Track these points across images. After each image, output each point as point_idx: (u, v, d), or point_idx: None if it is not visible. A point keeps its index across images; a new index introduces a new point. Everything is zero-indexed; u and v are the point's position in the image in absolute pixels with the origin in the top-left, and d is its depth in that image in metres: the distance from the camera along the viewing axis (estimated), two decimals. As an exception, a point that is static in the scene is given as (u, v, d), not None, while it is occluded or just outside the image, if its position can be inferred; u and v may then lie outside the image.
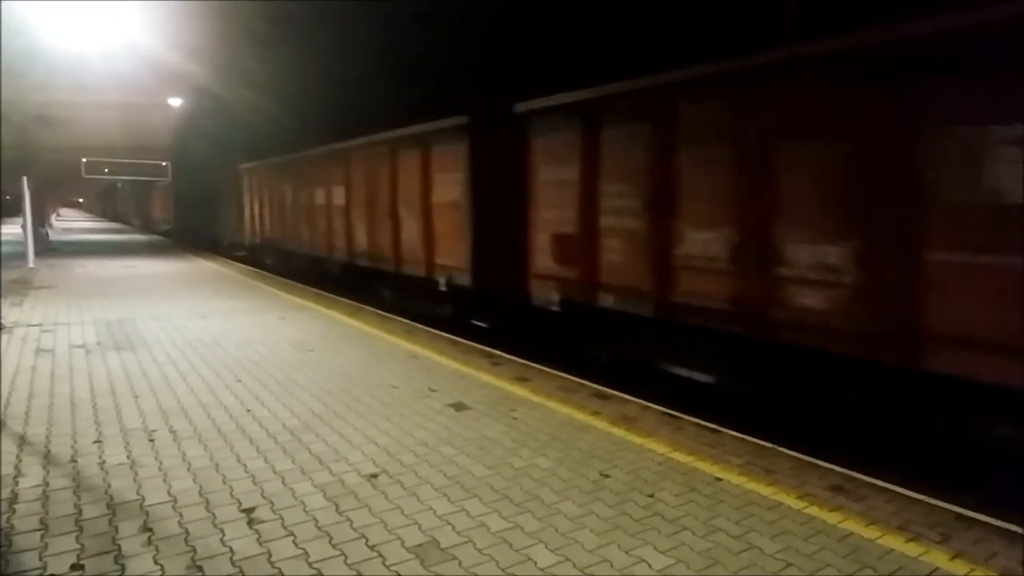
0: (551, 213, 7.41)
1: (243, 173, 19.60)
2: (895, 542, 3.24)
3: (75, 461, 4.09)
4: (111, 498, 3.57)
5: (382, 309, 10.33)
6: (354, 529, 3.29)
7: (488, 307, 8.97)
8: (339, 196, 12.95)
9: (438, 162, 9.51)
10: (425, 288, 10.01)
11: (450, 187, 9.22)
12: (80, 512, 3.41)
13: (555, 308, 7.42)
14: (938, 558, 3.10)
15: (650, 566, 2.99)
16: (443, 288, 9.43)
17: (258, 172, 18.43)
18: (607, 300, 6.77)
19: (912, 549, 3.18)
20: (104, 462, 4.07)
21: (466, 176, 8.84)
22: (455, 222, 9.13)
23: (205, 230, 25.37)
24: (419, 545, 3.15)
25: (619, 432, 4.75)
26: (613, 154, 6.66)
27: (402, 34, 11.60)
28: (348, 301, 11.20)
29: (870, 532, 3.33)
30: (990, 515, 3.50)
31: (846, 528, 3.37)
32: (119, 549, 3.05)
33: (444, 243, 9.46)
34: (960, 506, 3.61)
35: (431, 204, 9.70)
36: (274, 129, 16.78)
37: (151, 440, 4.45)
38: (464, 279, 8.95)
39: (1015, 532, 3.34)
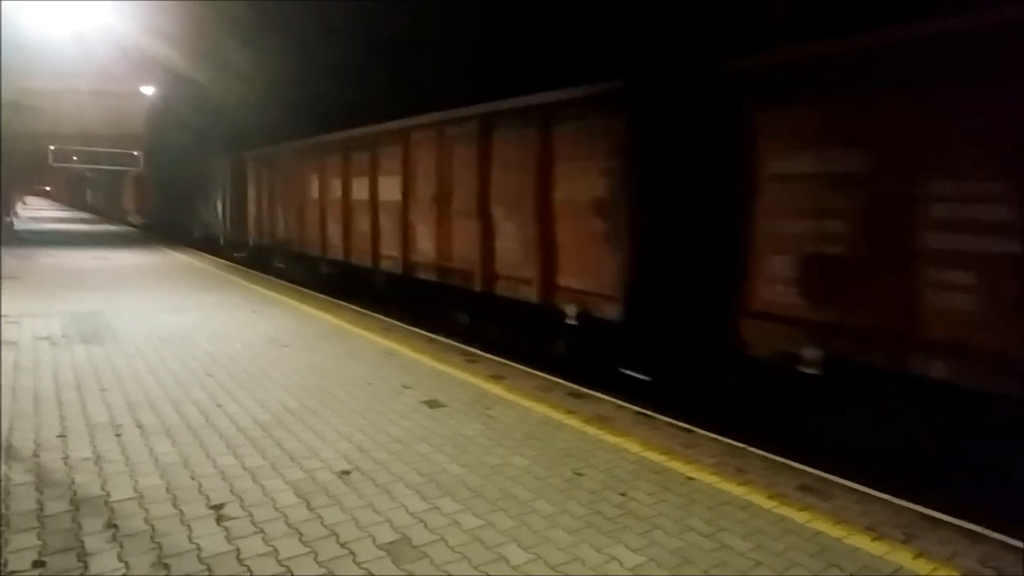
0: (801, 224, 4.84)
1: (248, 162, 16.60)
2: (861, 541, 3.29)
3: (38, 456, 3.98)
4: (75, 494, 3.49)
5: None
6: (325, 526, 3.25)
7: (650, 353, 6.24)
8: (391, 189, 9.88)
9: (566, 145, 6.81)
10: (534, 317, 7.35)
11: (587, 180, 6.52)
12: (42, 508, 3.32)
13: (809, 368, 4.74)
14: (902, 557, 3.16)
15: (622, 564, 3.00)
16: (571, 321, 6.71)
17: (270, 160, 15.23)
18: (938, 368, 4.13)
19: (877, 548, 3.23)
20: (68, 457, 3.98)
21: (620, 165, 6.15)
22: (593, 230, 6.40)
23: (188, 224, 22.94)
24: (391, 543, 3.12)
25: (594, 431, 4.76)
26: (946, 131, 4.10)
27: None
28: (325, 297, 11.08)
29: (838, 531, 3.38)
30: (954, 515, 3.57)
31: (815, 527, 3.42)
32: (82, 546, 2.98)
33: (573, 258, 6.73)
34: (926, 507, 3.69)
35: (551, 203, 6.94)
36: (276, 114, 15.29)
37: (117, 435, 4.36)
38: (608, 310, 6.26)
39: (977, 532, 3.41)
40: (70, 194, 72.41)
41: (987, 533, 3.40)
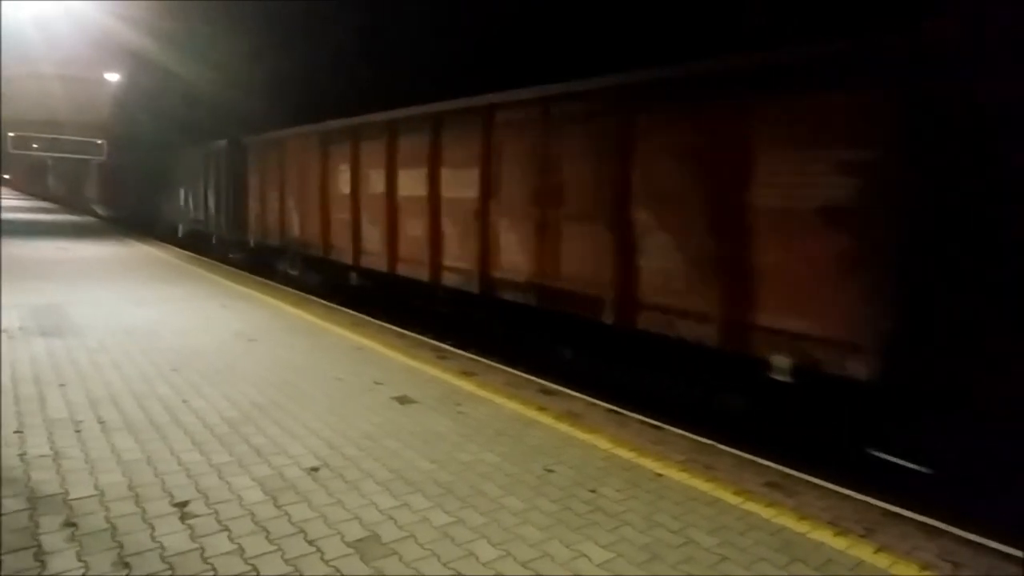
0: None
1: (250, 148, 14.12)
2: (825, 536, 3.36)
3: (-7, 452, 3.86)
4: (32, 491, 3.39)
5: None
6: (293, 524, 3.21)
7: (928, 430, 4.30)
8: (462, 184, 7.62)
9: (773, 129, 4.78)
10: (702, 363, 5.45)
11: (814, 178, 4.57)
12: (-3, 506, 3.22)
13: None
14: (863, 551, 3.23)
15: (591, 560, 3.02)
16: (782, 377, 4.76)
17: (280, 146, 12.55)
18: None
19: (840, 543, 3.30)
20: (25, 454, 3.86)
21: (882, 158, 4.20)
22: (824, 249, 4.50)
23: (166, 217, 20.97)
24: (360, 540, 3.10)
25: (564, 428, 4.78)
26: None
27: None
28: (293, 291, 10.94)
29: (802, 527, 3.45)
30: (914, 511, 3.67)
31: (780, 523, 3.48)
32: (39, 545, 2.90)
33: (785, 288, 4.76)
34: (887, 502, 3.78)
35: (746, 209, 4.91)
36: (278, 93, 13.96)
37: (77, 431, 4.24)
38: (852, 366, 4.34)
39: (935, 527, 3.51)
40: (30, 182, 70.26)
41: (945, 527, 3.50)
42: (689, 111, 5.37)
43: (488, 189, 7.26)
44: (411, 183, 8.60)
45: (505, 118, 7.10)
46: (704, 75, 5.23)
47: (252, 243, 14.06)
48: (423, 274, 8.33)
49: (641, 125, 5.70)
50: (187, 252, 16.13)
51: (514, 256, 6.98)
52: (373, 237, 9.52)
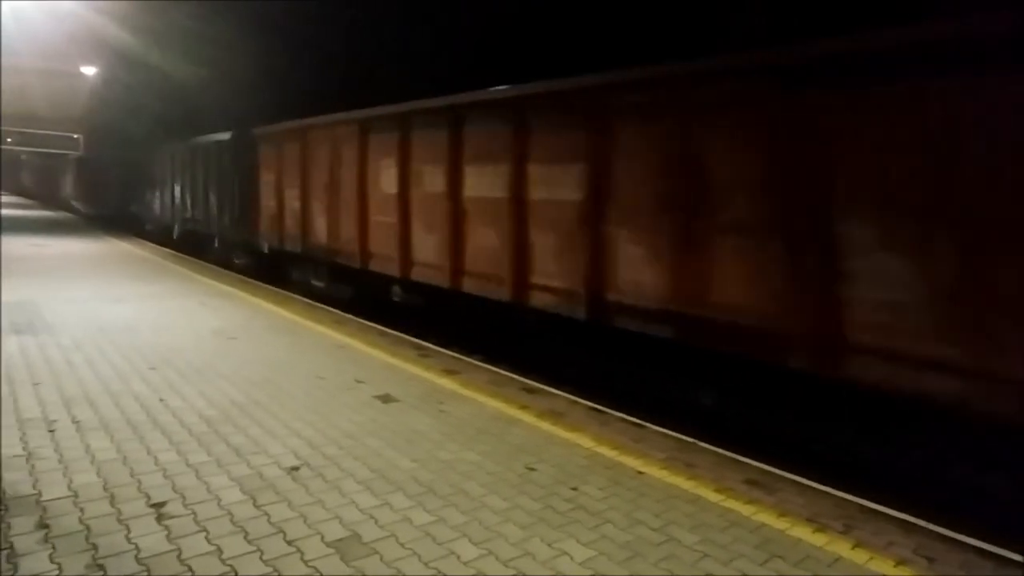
0: None
1: (262, 141, 12.28)
2: (803, 532, 3.40)
3: (-37, 453, 3.78)
4: (4, 492, 3.32)
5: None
6: (272, 524, 3.17)
7: None
8: (561, 184, 6.14)
9: None
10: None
11: None
12: (-33, 508, 3.15)
13: None
14: (841, 547, 3.27)
15: (572, 559, 3.02)
16: None
17: (303, 138, 10.56)
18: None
19: (818, 539, 3.34)
20: (-3, 454, 3.78)
21: None
22: None
23: (155, 216, 19.45)
24: (340, 540, 3.07)
25: (547, 426, 4.78)
26: None
27: None
28: (274, 288, 10.83)
29: (781, 523, 3.48)
30: (890, 507, 3.72)
31: (760, 520, 3.50)
32: (11, 547, 2.84)
33: None
34: (864, 498, 3.82)
35: None
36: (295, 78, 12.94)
37: (51, 431, 4.16)
38: None
39: (910, 522, 3.56)
40: (4, 177, 68.74)
41: (920, 523, 3.55)
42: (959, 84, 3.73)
43: (600, 190, 5.78)
44: (483, 182, 7.03)
45: (626, 102, 5.66)
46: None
47: (265, 248, 12.20)
48: (501, 293, 6.72)
49: (864, 104, 4.15)
50: (181, 255, 15.44)
51: (638, 275, 5.53)
52: (428, 246, 7.81)
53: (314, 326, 7.93)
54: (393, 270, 8.42)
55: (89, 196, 29.16)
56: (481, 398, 5.35)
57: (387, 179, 8.54)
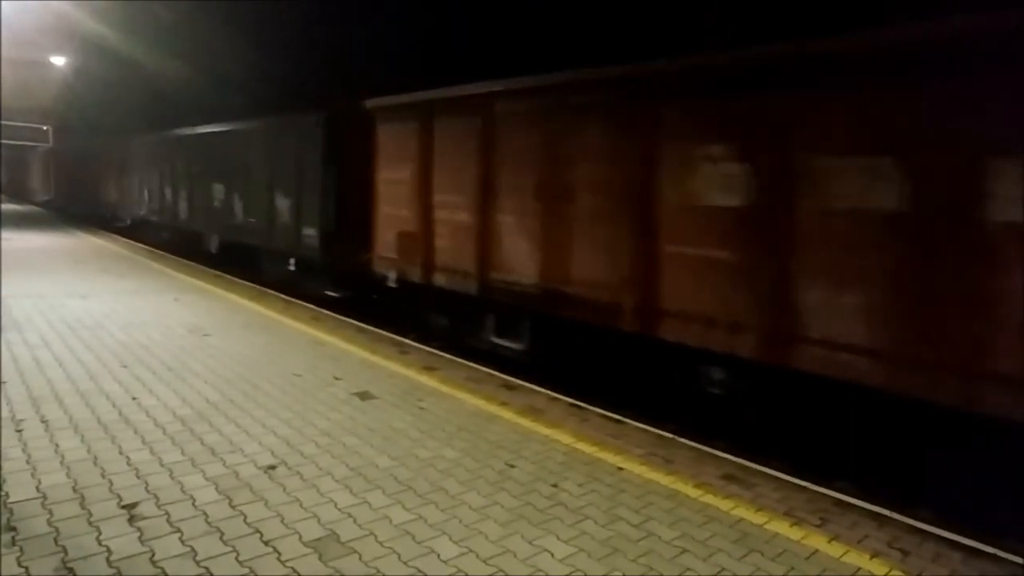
0: None
1: (382, 121, 8.60)
2: (780, 527, 3.43)
3: (-74, 454, 3.67)
4: (-32, 494, 3.23)
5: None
6: (248, 524, 3.12)
7: None
8: None
9: None
10: None
11: None
12: (-70, 511, 3.06)
13: None
14: (818, 541, 3.31)
15: (552, 555, 3.02)
16: None
17: (484, 113, 7.06)
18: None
19: (795, 533, 3.37)
20: (-38, 455, 3.68)
21: None
22: None
23: (168, 222, 16.10)
24: (318, 539, 3.03)
25: (526, 423, 4.77)
26: None
27: None
28: (251, 284, 10.68)
29: (759, 518, 3.51)
30: (864, 500, 3.78)
31: (737, 515, 3.53)
32: (-24, 551, 2.76)
33: None
34: (839, 492, 3.88)
35: None
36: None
37: (19, 431, 4.06)
38: None
39: (884, 515, 3.61)
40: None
41: (892, 515, 3.61)
42: None
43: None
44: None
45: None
46: None
47: (390, 280, 8.38)
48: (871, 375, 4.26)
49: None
50: (158, 251, 14.40)
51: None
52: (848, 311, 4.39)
53: (291, 323, 7.83)
54: (747, 348, 4.89)
55: (59, 189, 27.91)
56: (460, 395, 5.33)
57: (719, 181, 5.03)
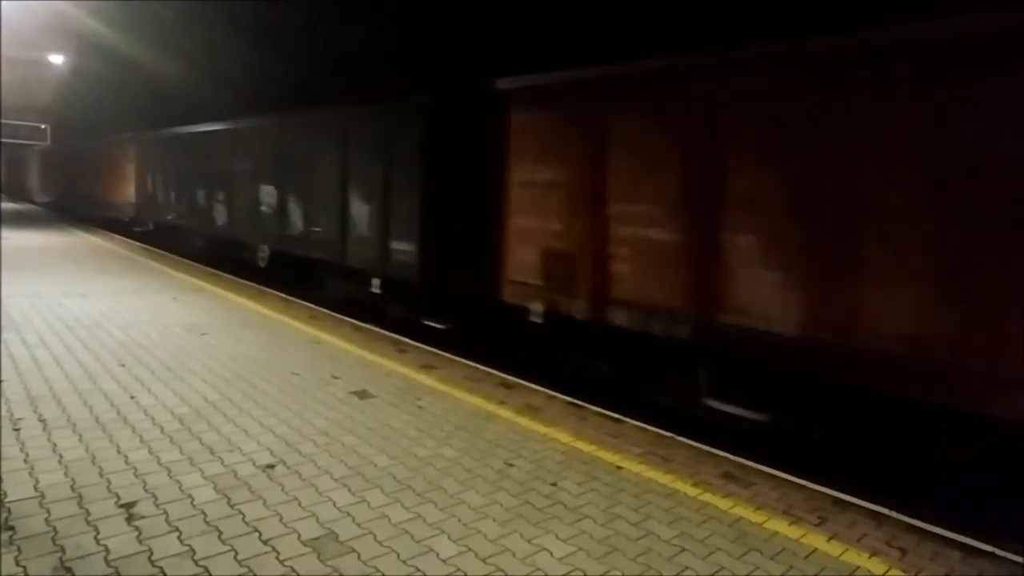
0: None
1: (520, 108, 6.70)
2: (779, 525, 3.43)
3: (-77, 453, 3.66)
4: (-34, 494, 3.22)
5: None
6: (246, 523, 3.12)
7: None
8: None
9: None
10: None
11: None
12: (-73, 510, 3.05)
13: None
14: (816, 540, 3.31)
15: (551, 554, 3.01)
16: None
17: (710, 92, 5.14)
18: None
19: (794, 532, 3.37)
20: (-41, 454, 3.67)
21: None
22: None
23: (198, 227, 14.25)
24: (316, 538, 3.03)
25: (524, 422, 4.77)
26: None
27: None
28: (249, 283, 10.67)
29: (757, 517, 3.51)
30: (862, 498, 3.78)
31: (736, 513, 3.53)
32: (-27, 550, 2.75)
33: None
34: (837, 490, 3.88)
35: None
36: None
37: (16, 430, 4.05)
38: None
39: (882, 514, 3.62)
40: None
41: (890, 514, 3.61)
42: None
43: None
44: None
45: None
46: None
47: (534, 313, 6.36)
48: None
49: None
50: (154, 248, 13.71)
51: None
52: None
53: (289, 321, 7.82)
54: None
55: (63, 189, 26.63)
56: (458, 394, 5.33)
57: None
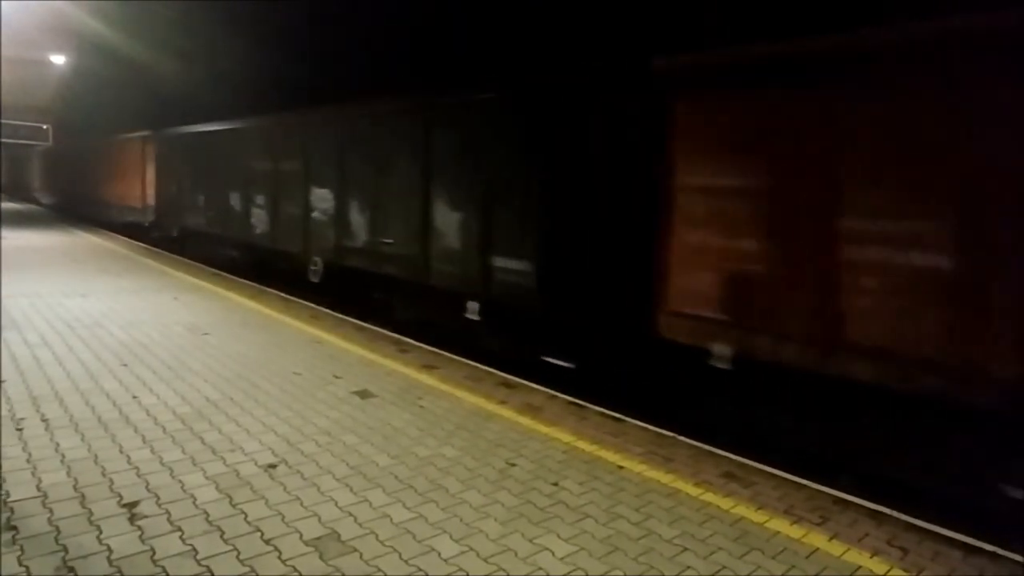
0: None
1: (689, 84, 5.16)
2: (781, 525, 3.43)
3: (-74, 453, 3.66)
4: (-31, 493, 3.23)
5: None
6: (248, 522, 3.13)
7: None
8: None
9: None
10: None
11: None
12: (-70, 510, 3.06)
13: None
14: (818, 539, 3.31)
15: (553, 554, 3.02)
16: None
17: None
18: None
19: (795, 531, 3.38)
20: (-39, 454, 3.67)
21: None
22: None
23: (222, 232, 13.10)
24: (318, 538, 3.03)
25: (525, 421, 4.77)
26: None
27: None
28: (249, 283, 10.67)
29: (759, 516, 3.51)
30: (863, 498, 3.78)
31: (737, 513, 3.54)
32: (-24, 550, 2.76)
33: None
34: (838, 490, 3.88)
35: None
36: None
37: (19, 429, 4.06)
38: None
39: (884, 513, 3.62)
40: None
41: (891, 513, 3.61)
42: None
43: None
44: None
45: None
46: None
47: (718, 357, 4.94)
48: None
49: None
50: (154, 248, 13.37)
51: None
52: None
53: (290, 321, 7.83)
54: None
55: (67, 190, 25.41)
56: (459, 393, 5.33)
57: None
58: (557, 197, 6.11)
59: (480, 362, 4.94)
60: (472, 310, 7.06)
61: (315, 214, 9.87)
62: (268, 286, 10.18)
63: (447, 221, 7.39)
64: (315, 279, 9.80)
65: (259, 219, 11.65)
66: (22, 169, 37.69)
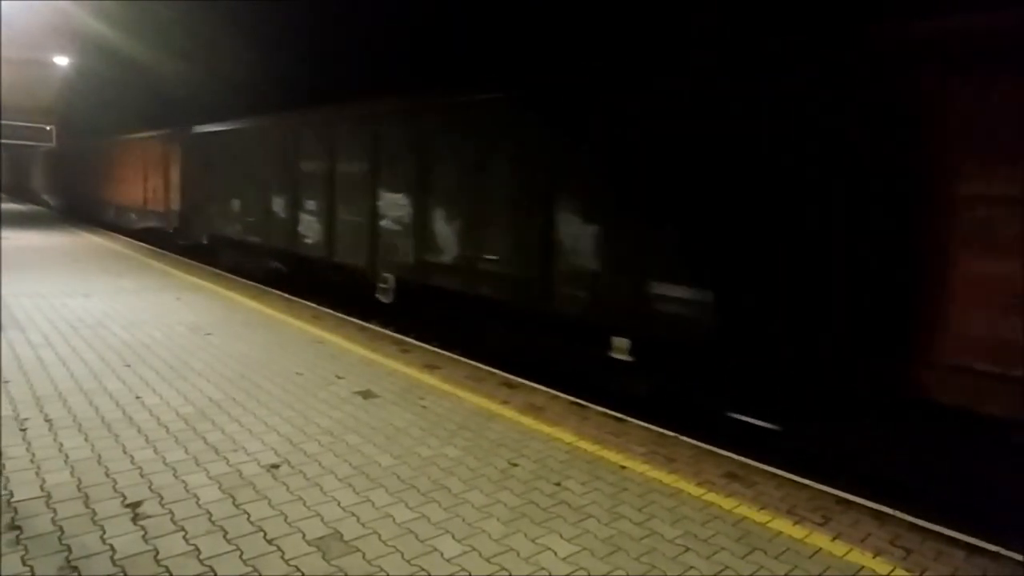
0: None
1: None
2: (783, 525, 3.43)
3: (-70, 453, 3.67)
4: (-27, 493, 3.24)
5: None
6: (251, 522, 3.13)
7: None
8: None
9: None
10: None
11: None
12: (-66, 509, 3.07)
13: None
14: (821, 540, 3.31)
15: (556, 554, 3.02)
16: None
17: None
18: None
19: (798, 532, 3.37)
20: (-35, 454, 3.68)
21: None
22: None
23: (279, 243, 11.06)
24: (321, 538, 3.04)
25: (527, 421, 4.78)
26: None
27: None
28: (251, 283, 10.69)
29: (761, 516, 3.51)
30: (865, 498, 3.77)
31: (740, 513, 3.53)
32: (-20, 550, 2.77)
33: None
34: (840, 489, 3.87)
35: None
36: None
37: (23, 430, 4.07)
38: None
39: (886, 513, 3.61)
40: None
41: (894, 513, 3.61)
42: None
43: None
44: None
45: None
46: None
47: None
48: None
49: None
50: (156, 248, 13.22)
51: None
52: None
53: (292, 321, 7.84)
54: None
55: (74, 192, 24.80)
56: (461, 393, 5.33)
57: None
58: (748, 207, 4.68)
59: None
60: (619, 347, 5.63)
61: (385, 223, 8.36)
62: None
63: (580, 234, 5.89)
64: (385, 299, 8.39)
65: (309, 228, 10.03)
66: (26, 170, 37.68)
